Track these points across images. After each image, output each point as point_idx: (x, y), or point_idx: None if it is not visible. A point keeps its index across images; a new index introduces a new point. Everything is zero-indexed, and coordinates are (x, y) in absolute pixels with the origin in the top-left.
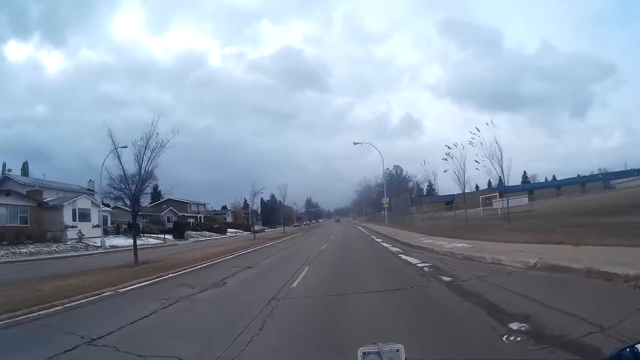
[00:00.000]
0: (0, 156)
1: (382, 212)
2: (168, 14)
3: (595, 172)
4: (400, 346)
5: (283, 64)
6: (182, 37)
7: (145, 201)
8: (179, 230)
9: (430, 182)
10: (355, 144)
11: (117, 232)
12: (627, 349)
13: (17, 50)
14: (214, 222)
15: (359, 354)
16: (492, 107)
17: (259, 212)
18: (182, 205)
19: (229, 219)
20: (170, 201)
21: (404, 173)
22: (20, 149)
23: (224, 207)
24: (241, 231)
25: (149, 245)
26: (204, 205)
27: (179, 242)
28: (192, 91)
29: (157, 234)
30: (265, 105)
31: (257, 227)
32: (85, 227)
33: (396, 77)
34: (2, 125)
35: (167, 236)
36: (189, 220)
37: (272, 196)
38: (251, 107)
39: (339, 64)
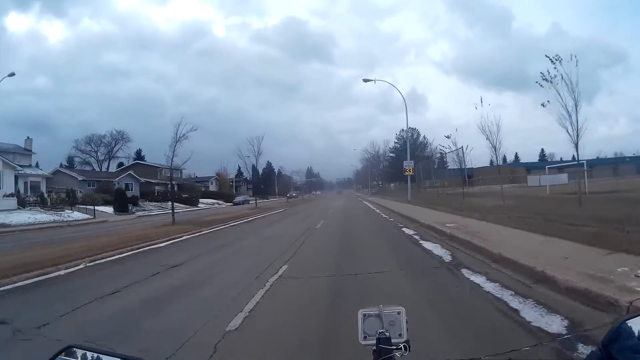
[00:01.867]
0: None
1: (392, 185)
2: None
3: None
4: (402, 308)
5: (288, 36)
6: (185, 6)
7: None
8: (121, 201)
9: (442, 154)
10: (366, 81)
11: (43, 203)
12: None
13: (18, 21)
14: (191, 191)
15: (359, 316)
16: (498, 86)
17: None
18: (150, 170)
19: (213, 188)
20: (137, 165)
21: (420, 138)
22: (22, 120)
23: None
24: (221, 202)
25: (52, 224)
26: (181, 171)
27: (116, 218)
28: (196, 62)
29: (102, 204)
30: (270, 77)
31: (240, 198)
32: None
33: (402, 52)
34: (2, 97)
35: (107, 209)
36: (155, 188)
37: (269, 164)
38: (256, 78)
39: (344, 37)
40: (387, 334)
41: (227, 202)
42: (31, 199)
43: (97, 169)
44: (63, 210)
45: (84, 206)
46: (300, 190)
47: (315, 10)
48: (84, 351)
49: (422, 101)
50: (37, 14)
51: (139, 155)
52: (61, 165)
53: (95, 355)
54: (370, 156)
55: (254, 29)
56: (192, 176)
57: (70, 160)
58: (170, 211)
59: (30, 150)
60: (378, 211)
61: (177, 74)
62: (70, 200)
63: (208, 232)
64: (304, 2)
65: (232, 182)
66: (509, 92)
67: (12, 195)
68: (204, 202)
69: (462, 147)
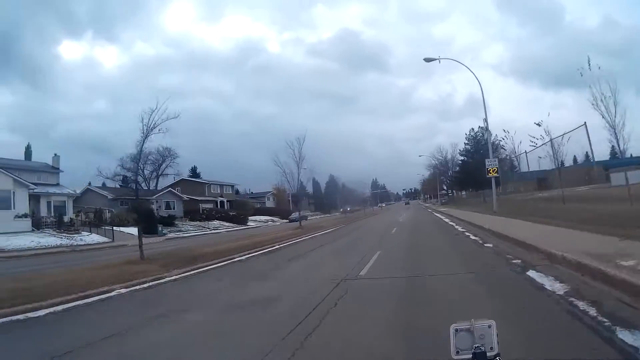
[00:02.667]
0: (62, 150)
1: (463, 193)
2: (221, 3)
3: None
4: (492, 322)
5: (342, 48)
6: (238, 25)
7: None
8: (148, 222)
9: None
10: (428, 60)
11: (60, 224)
12: None
13: (72, 49)
14: (243, 208)
15: (451, 331)
16: (556, 85)
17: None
18: (197, 187)
19: (270, 203)
20: (183, 182)
21: (492, 138)
22: (82, 143)
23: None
24: (275, 219)
25: (54, 250)
26: (233, 186)
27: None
28: (253, 79)
29: (133, 225)
30: (327, 89)
31: (297, 214)
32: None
33: (457, 56)
34: (62, 121)
35: (134, 230)
36: (200, 206)
37: (332, 177)
38: (313, 92)
39: (398, 45)
40: (482, 348)
41: (283, 218)
42: (49, 220)
43: (146, 187)
44: (79, 233)
45: (111, 227)
46: (366, 203)
47: (367, 20)
48: None
49: (481, 105)
50: (90, 41)
51: (194, 172)
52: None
53: None
54: (438, 162)
55: (308, 43)
56: (248, 192)
57: (125, 179)
58: (225, 228)
59: (58, 168)
60: (462, 229)
61: (234, 91)
62: (96, 221)
63: (152, 288)
64: (356, 13)
65: (290, 197)
66: (567, 91)
67: (25, 216)
68: (256, 220)
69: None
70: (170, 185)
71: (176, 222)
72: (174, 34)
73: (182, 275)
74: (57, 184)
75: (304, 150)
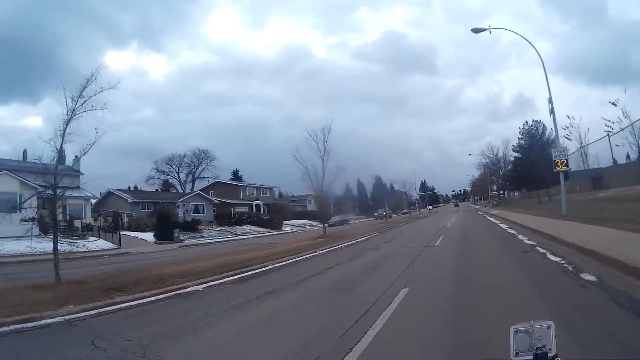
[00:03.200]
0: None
1: (516, 193)
2: (264, 10)
3: None
4: (551, 323)
5: (387, 50)
6: (282, 30)
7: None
8: (163, 227)
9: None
10: (477, 31)
11: (70, 229)
12: None
13: (118, 59)
14: (281, 211)
15: (511, 332)
16: (603, 81)
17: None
18: (231, 190)
19: (312, 206)
20: (217, 185)
21: (547, 133)
22: (131, 151)
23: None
24: (315, 223)
25: (46, 256)
26: (271, 189)
27: (149, 249)
28: (300, 84)
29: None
30: (374, 92)
31: (337, 218)
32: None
33: (503, 55)
34: (111, 129)
35: (148, 236)
36: (231, 209)
37: (378, 179)
38: (360, 95)
39: (443, 46)
40: (543, 349)
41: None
42: (61, 224)
43: (181, 190)
44: (85, 238)
45: (118, 233)
46: (415, 206)
47: (411, 21)
48: None
49: (530, 105)
50: (136, 51)
51: (235, 175)
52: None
53: None
54: (489, 161)
55: (353, 47)
56: (289, 195)
57: (166, 183)
58: (255, 233)
59: (78, 171)
60: (529, 240)
61: (282, 97)
62: (112, 226)
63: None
64: (400, 15)
65: (333, 200)
66: (614, 87)
67: (32, 219)
68: (293, 224)
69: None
70: (205, 188)
71: (200, 227)
72: (218, 42)
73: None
74: (77, 187)
75: (333, 144)
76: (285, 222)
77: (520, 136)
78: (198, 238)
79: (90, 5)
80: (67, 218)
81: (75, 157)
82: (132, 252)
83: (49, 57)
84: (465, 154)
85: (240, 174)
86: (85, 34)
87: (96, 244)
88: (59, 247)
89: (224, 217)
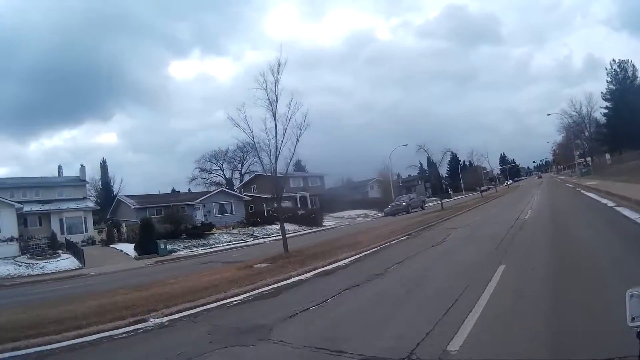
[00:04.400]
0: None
1: (607, 157)
2: (320, 0)
3: None
4: None
5: (451, 25)
6: (343, 18)
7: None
8: (144, 238)
9: None
10: None
11: (53, 246)
12: None
13: (182, 68)
14: (333, 201)
15: (627, 296)
16: None
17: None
18: (272, 182)
19: (374, 192)
20: (258, 179)
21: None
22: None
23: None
24: (371, 212)
25: None
26: (321, 177)
27: (117, 268)
28: (369, 69)
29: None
30: (443, 70)
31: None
32: None
33: (566, 17)
34: (187, 135)
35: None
36: (264, 205)
37: (454, 155)
38: (430, 74)
39: (506, 14)
40: None
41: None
42: (42, 243)
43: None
44: (55, 258)
45: (119, 245)
46: (495, 181)
47: None
48: None
49: (601, 66)
50: (199, 57)
51: (298, 165)
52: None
53: None
54: (572, 121)
55: (416, 26)
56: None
57: (212, 182)
58: (253, 241)
59: (84, 180)
60: None
61: (352, 84)
62: (106, 238)
63: None
64: None
65: (400, 182)
66: None
67: (11, 239)
68: (342, 217)
69: None
70: (245, 184)
71: (214, 232)
72: (280, 38)
73: None
74: (83, 198)
75: (403, 124)
76: (334, 214)
77: (608, 79)
78: (198, 247)
79: (147, 20)
80: (51, 234)
81: (81, 165)
82: (87, 274)
83: (114, 76)
84: (543, 123)
85: (303, 164)
86: (145, 48)
87: (60, 264)
88: (12, 271)
89: (257, 215)
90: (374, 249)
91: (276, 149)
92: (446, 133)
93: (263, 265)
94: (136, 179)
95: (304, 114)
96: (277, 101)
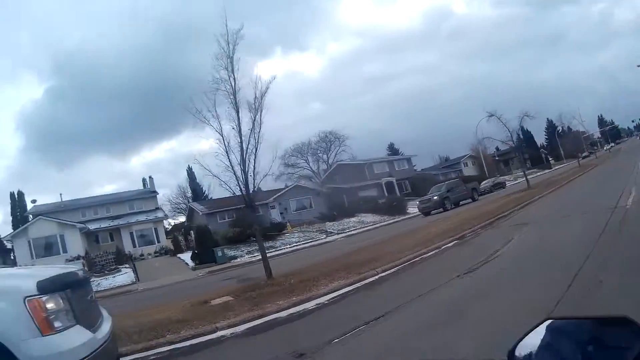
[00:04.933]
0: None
1: None
2: None
3: None
4: None
5: None
6: None
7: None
8: (200, 244)
9: None
10: None
11: (119, 260)
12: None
13: (267, 68)
14: (423, 184)
15: None
16: None
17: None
18: (355, 170)
19: (469, 170)
20: (342, 168)
21: None
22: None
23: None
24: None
25: None
26: (408, 159)
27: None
28: (451, 44)
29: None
30: (526, 36)
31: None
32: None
33: None
34: (285, 129)
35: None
36: (358, 194)
37: (550, 122)
38: (513, 42)
39: None
40: None
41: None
42: (109, 258)
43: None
44: (113, 273)
45: (183, 255)
46: (596, 146)
47: None
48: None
49: None
50: (282, 56)
51: (391, 148)
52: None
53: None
54: None
55: None
56: (442, 161)
57: (314, 177)
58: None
59: (154, 191)
60: None
61: (437, 62)
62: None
63: None
64: None
65: (496, 156)
66: None
67: (77, 258)
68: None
69: None
70: (328, 175)
71: (284, 231)
72: (359, 25)
73: None
74: (154, 209)
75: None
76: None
77: None
78: (268, 249)
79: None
80: (115, 249)
81: (149, 177)
82: (136, 290)
83: (203, 84)
84: (635, 79)
85: (396, 147)
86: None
87: (116, 279)
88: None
89: (335, 208)
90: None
91: (241, 143)
92: (537, 101)
93: (220, 301)
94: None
95: (261, 91)
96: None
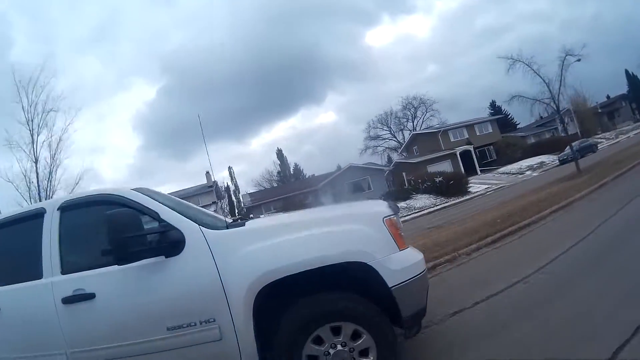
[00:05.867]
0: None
1: None
2: None
3: None
4: None
5: None
6: None
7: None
8: None
9: None
10: None
11: None
12: None
13: (378, 36)
14: (510, 149)
15: None
16: None
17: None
18: (430, 140)
19: (571, 128)
20: (417, 139)
21: None
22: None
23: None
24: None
25: None
26: (491, 121)
27: None
28: None
29: None
30: None
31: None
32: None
33: None
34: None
35: None
36: (428, 168)
37: None
38: None
39: None
40: None
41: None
42: None
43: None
44: None
45: None
46: None
47: None
48: None
49: None
50: (391, 22)
51: (493, 107)
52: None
53: None
54: None
55: None
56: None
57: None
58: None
59: (211, 186)
60: None
61: (551, 7)
62: None
63: None
64: None
65: (599, 108)
66: None
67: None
68: (509, 171)
69: None
70: (404, 148)
71: None
72: None
73: None
74: (212, 203)
75: None
76: (503, 169)
77: None
78: None
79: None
80: None
81: (207, 172)
82: None
83: (316, 61)
84: None
85: (498, 104)
86: (337, 27)
87: None
88: None
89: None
90: None
91: None
92: None
93: None
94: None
95: None
96: None
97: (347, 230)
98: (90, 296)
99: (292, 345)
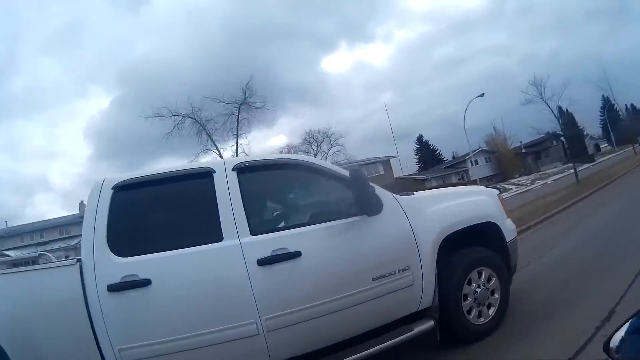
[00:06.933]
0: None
1: None
2: None
3: None
4: None
5: None
6: None
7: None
8: None
9: None
10: None
11: None
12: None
13: (334, 61)
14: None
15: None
16: None
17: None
18: None
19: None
20: None
21: None
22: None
23: None
24: None
25: None
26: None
27: None
28: (520, 21)
29: None
30: (597, 5)
31: None
32: None
33: None
34: (357, 122)
35: None
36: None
37: (606, 101)
38: (584, 13)
39: None
40: None
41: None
42: None
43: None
44: None
45: None
46: None
47: None
48: None
49: None
50: (347, 49)
51: (420, 142)
52: None
53: None
54: None
55: None
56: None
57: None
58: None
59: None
60: None
61: (508, 40)
62: None
63: None
64: None
65: (523, 148)
66: None
67: None
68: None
69: None
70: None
71: None
72: (424, 11)
73: None
74: None
75: None
76: None
77: None
78: None
79: (289, 25)
80: None
81: None
82: None
83: (272, 83)
84: None
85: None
86: (295, 50)
87: None
88: None
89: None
90: None
91: None
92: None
93: None
94: None
95: None
96: None
97: (481, 201)
98: (296, 254)
99: (458, 285)
